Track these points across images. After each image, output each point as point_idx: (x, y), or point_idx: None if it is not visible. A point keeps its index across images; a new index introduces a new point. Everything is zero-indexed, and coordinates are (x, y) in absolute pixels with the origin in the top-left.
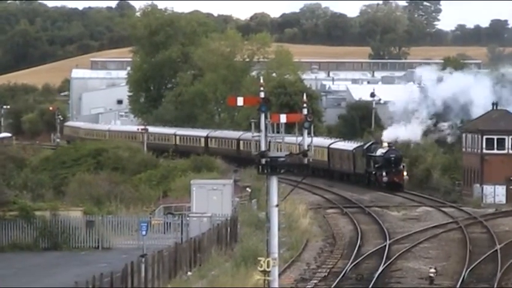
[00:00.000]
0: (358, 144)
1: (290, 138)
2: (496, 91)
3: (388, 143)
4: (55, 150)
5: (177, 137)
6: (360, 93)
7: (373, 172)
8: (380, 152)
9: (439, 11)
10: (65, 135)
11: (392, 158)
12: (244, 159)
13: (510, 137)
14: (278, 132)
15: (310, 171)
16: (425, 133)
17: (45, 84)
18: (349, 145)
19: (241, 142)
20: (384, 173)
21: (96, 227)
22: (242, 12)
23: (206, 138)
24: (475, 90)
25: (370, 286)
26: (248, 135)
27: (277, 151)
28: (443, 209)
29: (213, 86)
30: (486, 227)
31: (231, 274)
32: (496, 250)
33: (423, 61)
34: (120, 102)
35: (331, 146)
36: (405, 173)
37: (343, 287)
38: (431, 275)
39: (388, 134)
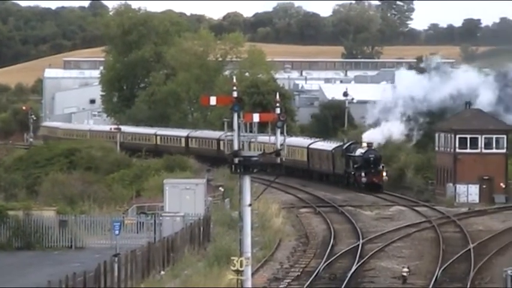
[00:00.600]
0: (338, 144)
1: (270, 138)
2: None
3: (368, 143)
4: (28, 150)
5: (158, 137)
6: (333, 92)
7: (352, 173)
8: (359, 152)
9: (412, 10)
10: (42, 136)
11: (372, 158)
12: (224, 160)
13: (483, 136)
14: (251, 131)
15: (283, 171)
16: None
17: (18, 83)
18: (328, 145)
19: (221, 142)
20: (363, 174)
21: (69, 226)
22: (215, 12)
23: (187, 138)
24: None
25: (343, 285)
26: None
27: (261, 151)
28: (416, 208)
29: (186, 86)
30: (459, 226)
31: (204, 274)
32: (469, 249)
33: (396, 60)
34: (93, 101)
35: (311, 146)
36: (385, 174)
37: (316, 287)
38: (405, 274)
39: (372, 135)
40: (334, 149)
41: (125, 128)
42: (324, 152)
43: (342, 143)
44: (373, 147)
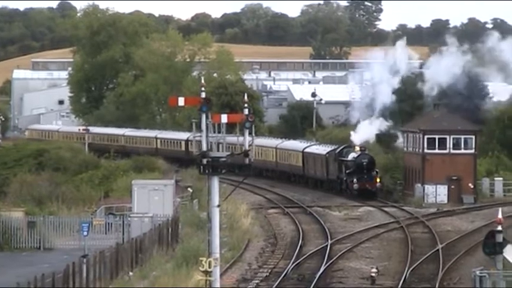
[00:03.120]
0: (332, 148)
1: (268, 140)
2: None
3: (360, 147)
4: None
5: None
6: (301, 93)
7: (344, 178)
8: (351, 156)
9: (380, 10)
10: (30, 139)
11: (365, 163)
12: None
13: (451, 136)
14: (219, 132)
15: (252, 171)
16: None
17: None
18: (322, 149)
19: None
20: (355, 180)
21: (37, 227)
22: (183, 13)
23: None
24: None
25: (312, 286)
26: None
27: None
28: (384, 208)
29: (154, 87)
30: (428, 227)
31: (173, 274)
32: (438, 250)
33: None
34: (61, 102)
35: (306, 150)
36: (378, 180)
37: (285, 287)
38: (373, 274)
39: (359, 136)
40: (328, 153)
41: (93, 129)
42: (318, 156)
43: (335, 147)
44: (366, 151)
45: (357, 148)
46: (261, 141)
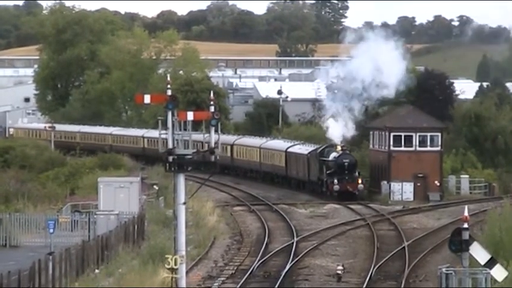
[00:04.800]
0: (314, 147)
1: (252, 140)
2: None
3: (342, 146)
4: None
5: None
6: (267, 90)
7: (325, 179)
8: (332, 156)
9: (346, 8)
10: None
11: (346, 164)
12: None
13: (417, 134)
14: (185, 129)
15: (218, 169)
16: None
17: None
18: (305, 148)
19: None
20: (336, 181)
21: (3, 224)
22: (149, 10)
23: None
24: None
25: (278, 284)
26: (153, 133)
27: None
28: (350, 206)
29: (120, 84)
30: (394, 224)
31: (139, 272)
32: (404, 247)
33: (330, 58)
34: (27, 100)
35: (289, 149)
36: (360, 181)
37: (251, 285)
38: (339, 272)
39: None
40: (309, 152)
41: (59, 127)
42: (300, 156)
43: (317, 146)
44: (348, 151)
45: (339, 148)
46: (245, 140)
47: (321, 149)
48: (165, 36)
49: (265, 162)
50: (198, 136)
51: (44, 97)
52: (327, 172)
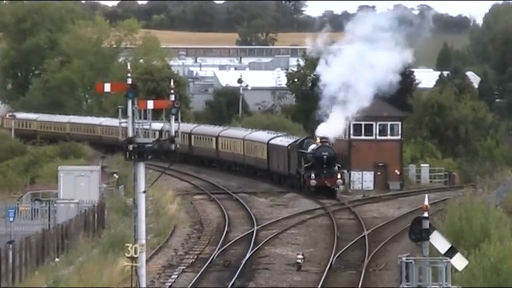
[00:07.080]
0: (294, 139)
1: (237, 131)
2: None
3: (321, 138)
4: None
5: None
6: (227, 79)
7: (302, 173)
8: (310, 148)
9: None
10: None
11: (325, 157)
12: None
13: (378, 123)
14: (145, 118)
15: (178, 157)
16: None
17: None
18: (285, 140)
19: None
20: (313, 175)
21: None
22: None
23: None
24: None
25: (238, 272)
26: (110, 121)
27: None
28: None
29: (80, 73)
30: (354, 213)
31: (99, 260)
32: (364, 236)
33: (290, 47)
34: None
35: (271, 141)
36: (339, 176)
37: (211, 273)
38: (299, 261)
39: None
40: (290, 145)
41: (19, 115)
42: (280, 148)
43: (297, 138)
44: (328, 144)
45: (318, 140)
46: (229, 132)
47: (300, 141)
48: (126, 25)
49: (249, 155)
50: (158, 125)
51: (4, 86)
52: (305, 166)
